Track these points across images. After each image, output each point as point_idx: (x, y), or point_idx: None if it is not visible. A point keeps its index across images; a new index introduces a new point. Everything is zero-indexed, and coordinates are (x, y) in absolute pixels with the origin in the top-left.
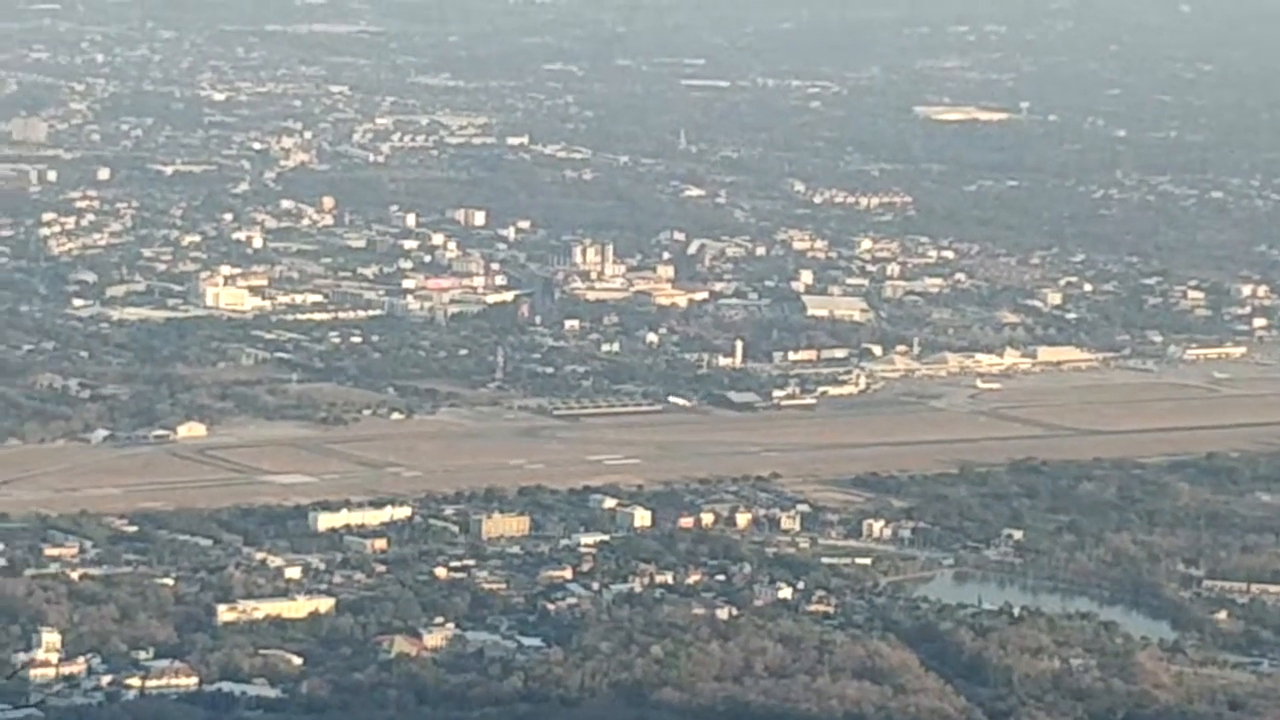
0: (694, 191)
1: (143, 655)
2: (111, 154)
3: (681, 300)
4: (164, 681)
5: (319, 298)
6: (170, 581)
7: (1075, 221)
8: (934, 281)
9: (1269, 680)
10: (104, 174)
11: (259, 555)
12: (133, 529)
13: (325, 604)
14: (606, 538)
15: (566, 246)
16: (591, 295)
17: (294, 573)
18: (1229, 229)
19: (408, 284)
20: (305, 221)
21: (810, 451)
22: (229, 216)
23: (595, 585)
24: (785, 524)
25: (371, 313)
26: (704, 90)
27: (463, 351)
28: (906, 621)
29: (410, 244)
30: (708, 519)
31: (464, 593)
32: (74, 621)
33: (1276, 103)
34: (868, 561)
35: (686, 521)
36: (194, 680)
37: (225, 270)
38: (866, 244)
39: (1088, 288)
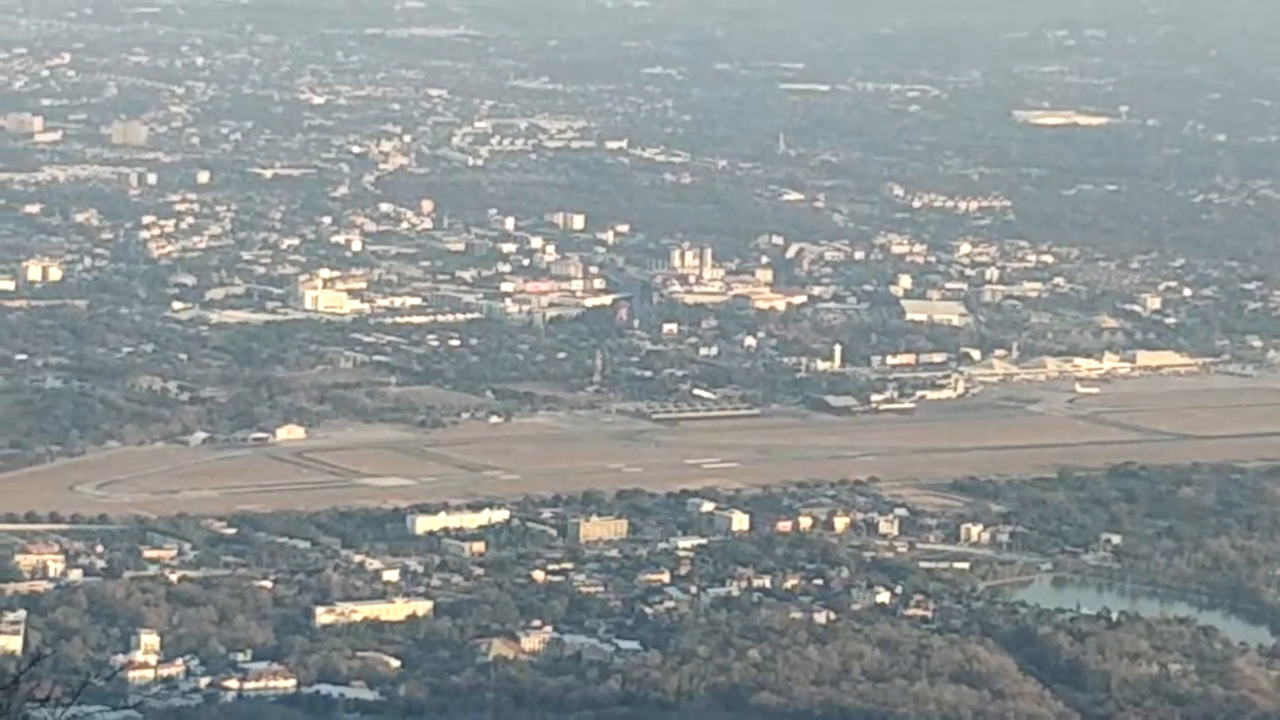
0: (793, 195)
1: (241, 657)
2: (211, 157)
3: (780, 304)
4: (262, 683)
5: (417, 301)
6: (269, 584)
7: (1175, 226)
8: (1033, 286)
9: None
10: (204, 177)
11: (357, 558)
12: (231, 531)
13: (423, 607)
14: (704, 541)
15: (665, 250)
16: (690, 299)
17: (392, 575)
18: None
19: (506, 287)
20: (404, 225)
21: (908, 455)
22: (328, 220)
23: (693, 589)
24: (883, 528)
25: (470, 316)
26: (803, 94)
27: (561, 355)
28: (1004, 626)
29: (509, 247)
30: (806, 523)
31: (562, 596)
32: (173, 623)
33: None
34: (966, 566)
35: (784, 525)
36: (292, 682)
37: (324, 273)
38: (965, 248)
39: (1187, 292)
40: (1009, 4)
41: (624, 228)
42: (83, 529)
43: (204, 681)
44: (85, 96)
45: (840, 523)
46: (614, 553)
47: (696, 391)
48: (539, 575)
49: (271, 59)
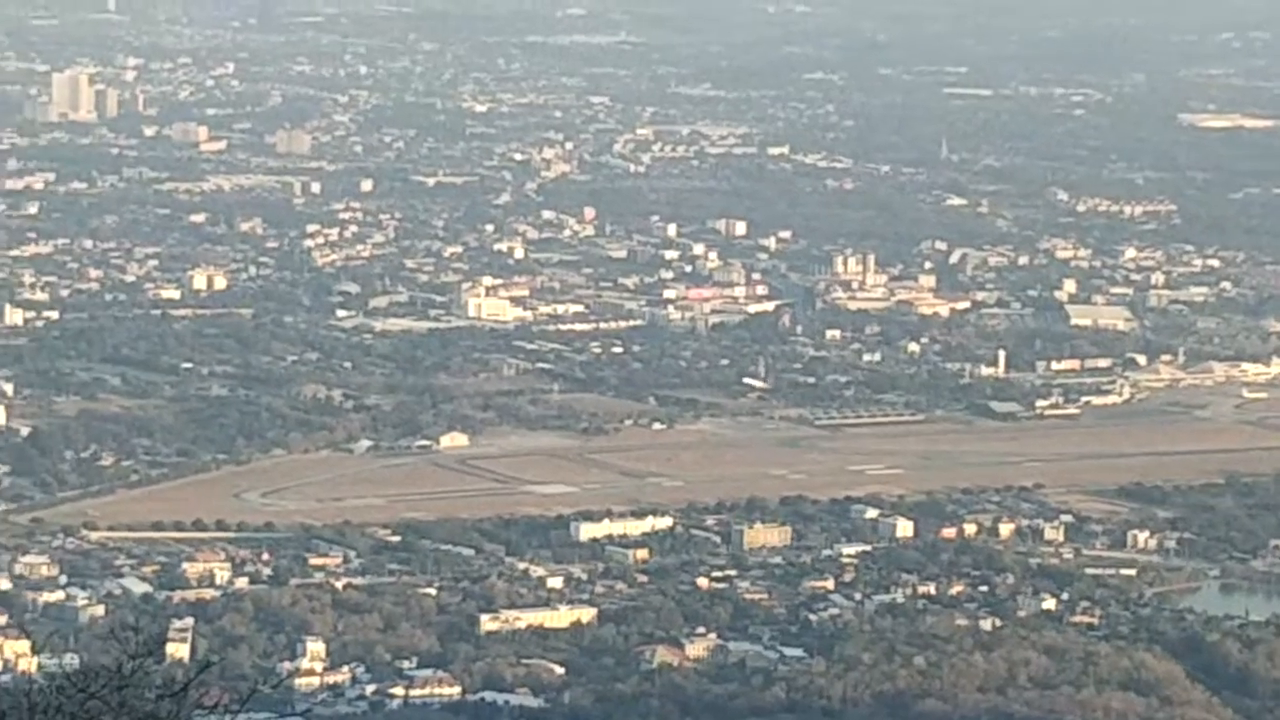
0: (956, 200)
1: (406, 664)
2: (374, 165)
3: (944, 310)
4: (427, 691)
5: (580, 308)
6: (433, 591)
7: None
8: (1199, 290)
9: None
10: (367, 185)
11: (521, 565)
12: (396, 539)
13: (587, 614)
14: (868, 548)
15: (828, 256)
16: (853, 305)
17: (556, 582)
18: None
19: (669, 294)
20: (566, 232)
21: (1074, 461)
22: (491, 227)
23: (857, 596)
24: (1049, 534)
25: (633, 323)
26: (966, 99)
27: (724, 361)
28: (1172, 633)
29: (671, 254)
30: (970, 529)
31: (726, 603)
32: (338, 631)
33: None
34: (1133, 572)
35: (949, 532)
36: (457, 690)
37: (487, 281)
38: (1131, 252)
39: None
40: (1174, 7)
41: (786, 234)
42: (249, 537)
43: (369, 689)
44: (249, 106)
45: (1005, 529)
46: (778, 559)
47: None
48: (703, 582)
49: (434, 67)
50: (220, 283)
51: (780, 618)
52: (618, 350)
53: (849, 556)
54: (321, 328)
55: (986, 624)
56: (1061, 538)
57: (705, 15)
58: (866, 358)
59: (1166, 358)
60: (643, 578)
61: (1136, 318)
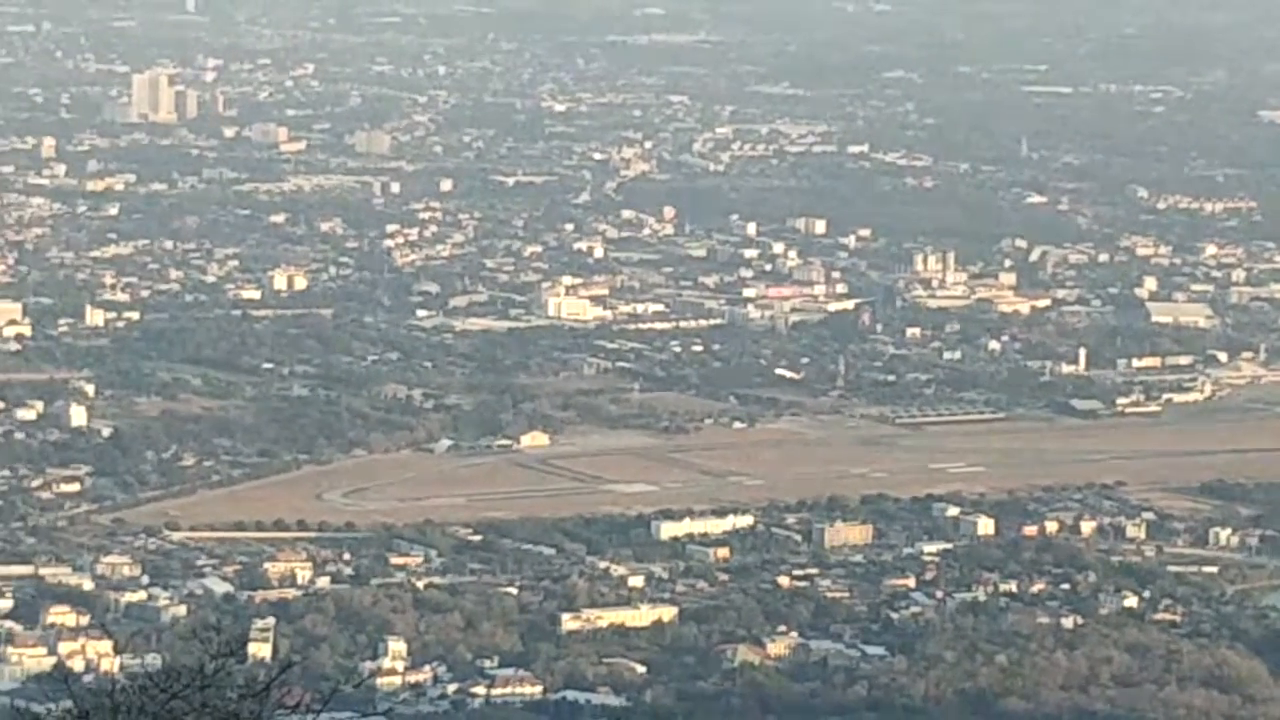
0: (1036, 198)
1: (488, 664)
2: (454, 165)
3: (1024, 308)
4: (509, 690)
5: (660, 307)
6: (514, 590)
7: None
8: None
9: None
10: (446, 185)
11: (602, 564)
12: (477, 538)
13: (669, 613)
14: (950, 546)
15: (907, 254)
16: (933, 303)
17: (637, 581)
18: None
19: (749, 293)
20: (646, 231)
21: (1155, 459)
22: (570, 226)
23: (939, 594)
24: (1130, 532)
25: (713, 322)
26: (1045, 96)
27: (804, 360)
28: (1254, 630)
29: (751, 253)
30: (1052, 527)
31: (807, 601)
32: (420, 630)
33: None
34: (1215, 570)
35: (1030, 530)
36: (539, 689)
37: (567, 280)
38: (1211, 250)
39: None
40: (1253, 3)
41: (866, 232)
42: (330, 537)
43: (451, 688)
44: (329, 106)
45: (1087, 527)
46: (859, 558)
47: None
48: (784, 581)
49: (513, 67)
50: (300, 283)
51: (862, 616)
52: (698, 349)
53: (930, 555)
54: (402, 327)
55: (1068, 622)
56: (1143, 535)
57: (784, 14)
58: (947, 356)
59: (1248, 354)
60: (724, 576)
61: (1217, 315)
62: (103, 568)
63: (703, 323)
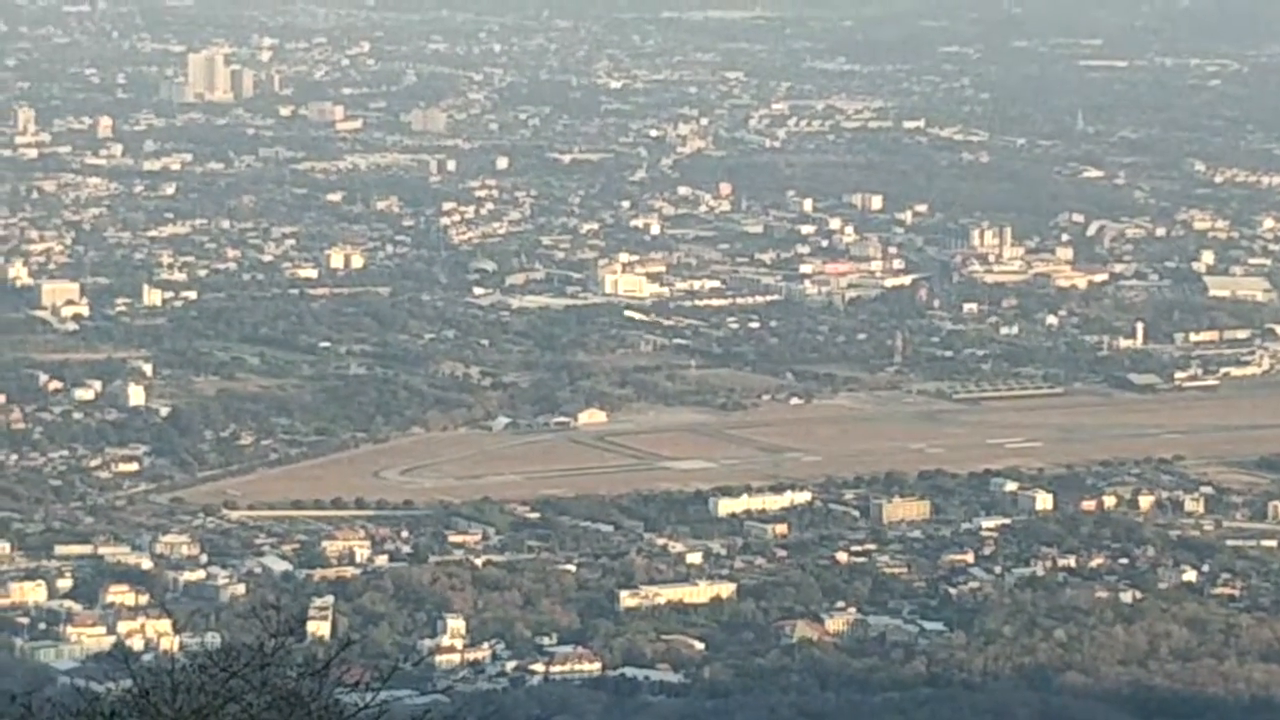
0: (1092, 173)
1: (546, 641)
2: (509, 143)
3: (1081, 282)
4: (567, 667)
5: (717, 284)
6: (572, 568)
7: None
8: None
9: None
10: (502, 163)
11: (660, 541)
12: (535, 516)
13: (726, 589)
14: (1008, 521)
15: (964, 229)
16: (990, 278)
17: (695, 558)
18: None
19: (805, 269)
20: (702, 208)
21: (1213, 433)
22: (626, 204)
23: (997, 569)
24: (1189, 506)
25: (769, 298)
26: (1101, 70)
27: (861, 336)
28: None
29: (807, 229)
30: (1110, 502)
31: (865, 577)
32: (478, 608)
33: None
34: (1274, 544)
35: (1089, 504)
36: (597, 666)
37: (623, 257)
38: (1269, 223)
39: None
40: None
41: (922, 207)
42: (388, 515)
43: (510, 665)
44: (385, 85)
45: (1145, 501)
46: (917, 533)
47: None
48: (842, 557)
49: (568, 44)
50: (357, 261)
51: (920, 591)
52: (755, 325)
53: (988, 530)
54: (459, 305)
55: (1127, 596)
56: (1202, 509)
57: None
58: (1004, 331)
59: None
60: (782, 552)
61: (1275, 288)
62: (161, 547)
63: (759, 299)
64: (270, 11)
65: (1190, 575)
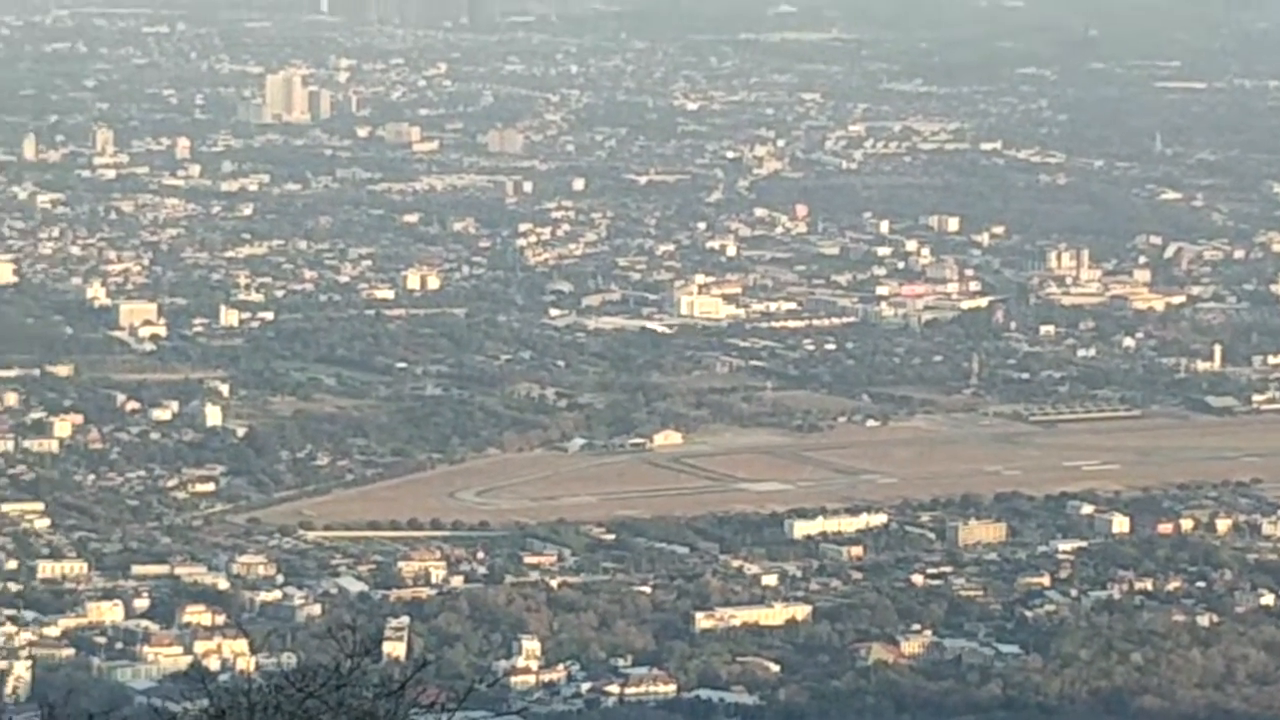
0: (1170, 195)
1: (621, 662)
2: (586, 164)
3: (1158, 304)
4: (643, 689)
5: (793, 305)
6: (648, 589)
7: None
8: None
9: None
10: (579, 184)
11: (735, 563)
12: (610, 537)
13: (802, 611)
14: (1084, 544)
15: (1041, 251)
16: (1067, 300)
17: (770, 580)
18: None
19: (881, 291)
20: (778, 229)
21: None
22: (702, 225)
23: (1073, 592)
24: (1267, 529)
25: (845, 320)
26: (1179, 92)
27: (937, 358)
28: None
29: (884, 251)
30: (1187, 525)
31: (941, 600)
32: (553, 629)
33: None
34: None
35: (1165, 527)
36: (672, 687)
37: (699, 279)
38: None
39: None
40: None
41: (999, 229)
42: (464, 535)
43: (585, 687)
44: (461, 106)
45: (1222, 524)
46: (993, 556)
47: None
48: (918, 579)
49: (645, 65)
50: (434, 282)
51: (996, 614)
52: (831, 347)
53: (1065, 553)
54: (535, 326)
55: (1204, 620)
56: (1279, 533)
57: (916, 11)
58: (1081, 353)
59: None
60: (857, 575)
61: None
62: (238, 567)
63: (835, 321)
64: (348, 33)
65: (1268, 599)
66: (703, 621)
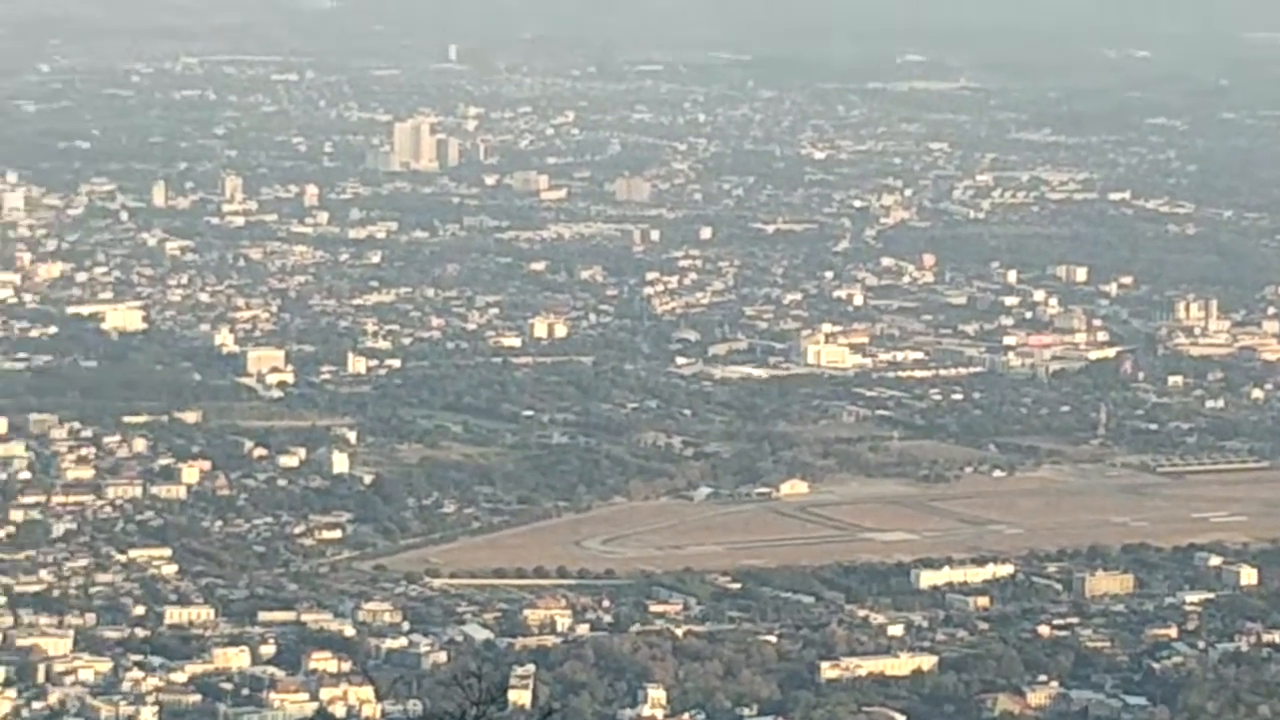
0: None
1: (746, 712)
2: (713, 213)
3: None
4: None
5: (920, 355)
6: (773, 638)
7: None
8: None
9: None
10: (706, 233)
11: (861, 612)
12: (736, 586)
13: (928, 661)
14: (1212, 596)
15: (1169, 302)
16: (1195, 351)
17: (896, 630)
18: None
19: (1009, 340)
20: (906, 279)
21: None
22: (830, 274)
23: (1201, 644)
24: None
25: (972, 370)
26: None
27: (1064, 408)
28: None
29: (1011, 300)
30: None
31: (1067, 651)
32: (679, 678)
33: None
34: None
35: None
36: None
37: (826, 328)
38: None
39: None
40: None
41: (1127, 279)
42: (590, 584)
43: None
44: (589, 154)
45: None
46: (1120, 607)
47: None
48: (1044, 630)
49: (773, 114)
50: (561, 330)
51: (1123, 666)
52: (958, 397)
53: (1192, 604)
54: (661, 375)
55: None
56: None
57: (1045, 61)
58: (1209, 404)
59: None
60: (984, 625)
61: None
62: (364, 614)
63: (962, 370)
64: (476, 81)
65: None
66: (828, 671)
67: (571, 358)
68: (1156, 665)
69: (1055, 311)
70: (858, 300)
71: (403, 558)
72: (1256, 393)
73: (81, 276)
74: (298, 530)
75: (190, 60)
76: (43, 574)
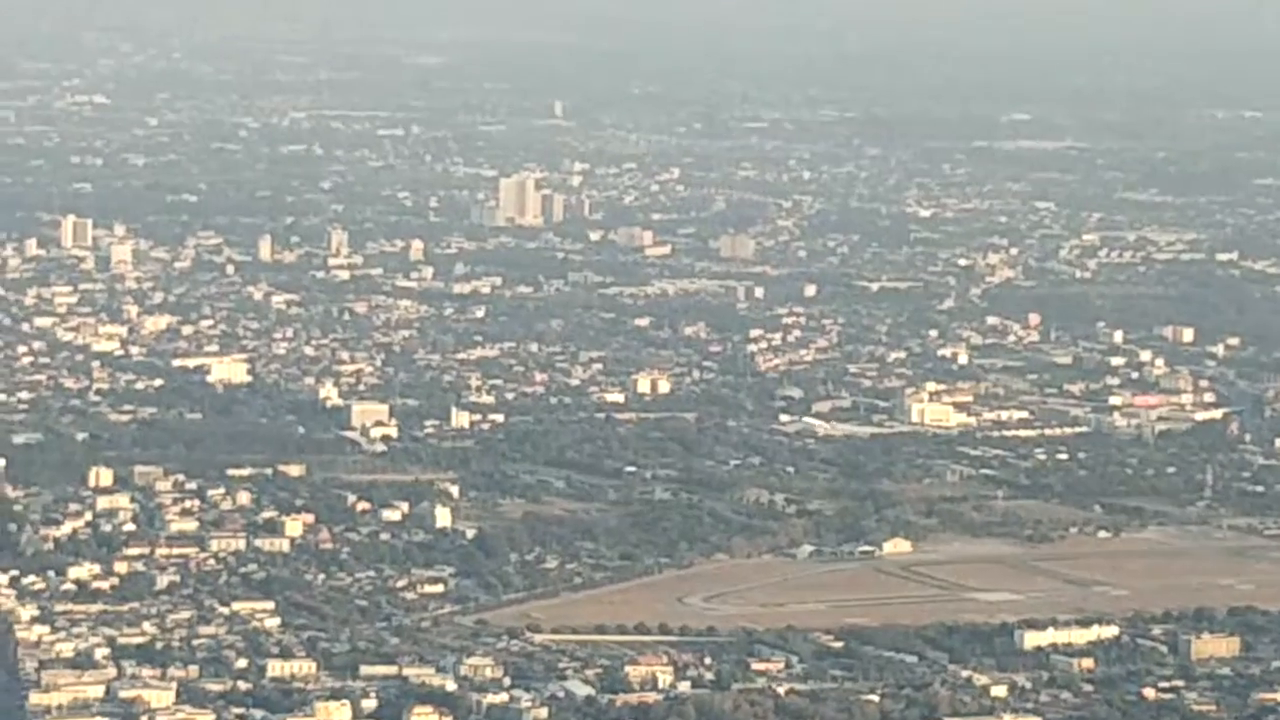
0: None
1: None
2: (818, 270)
3: None
4: None
5: (1025, 414)
6: (876, 698)
7: None
8: None
9: None
10: (810, 290)
11: (965, 672)
12: (839, 644)
13: None
14: None
15: (1277, 363)
16: None
17: (1000, 691)
18: None
19: (1115, 400)
20: (1011, 338)
21: None
22: (934, 332)
23: None
24: None
25: (1078, 430)
26: None
27: (1170, 469)
28: None
29: (1117, 360)
30: None
31: (1173, 714)
32: None
33: None
34: None
35: None
36: None
37: (931, 386)
38: None
39: None
40: None
41: (1235, 341)
42: (691, 640)
43: None
44: (694, 210)
45: None
46: (1226, 670)
47: None
48: (1150, 693)
49: (878, 172)
50: (664, 386)
51: None
52: (1063, 457)
53: None
54: (764, 432)
55: None
56: None
57: (1153, 120)
58: None
59: None
60: (1088, 687)
61: None
62: (466, 669)
63: (1068, 430)
64: (581, 136)
65: None
66: None
67: (674, 414)
68: None
69: (1161, 372)
70: (962, 359)
71: (504, 613)
72: None
73: (187, 329)
74: (400, 584)
75: (297, 115)
76: (146, 626)
